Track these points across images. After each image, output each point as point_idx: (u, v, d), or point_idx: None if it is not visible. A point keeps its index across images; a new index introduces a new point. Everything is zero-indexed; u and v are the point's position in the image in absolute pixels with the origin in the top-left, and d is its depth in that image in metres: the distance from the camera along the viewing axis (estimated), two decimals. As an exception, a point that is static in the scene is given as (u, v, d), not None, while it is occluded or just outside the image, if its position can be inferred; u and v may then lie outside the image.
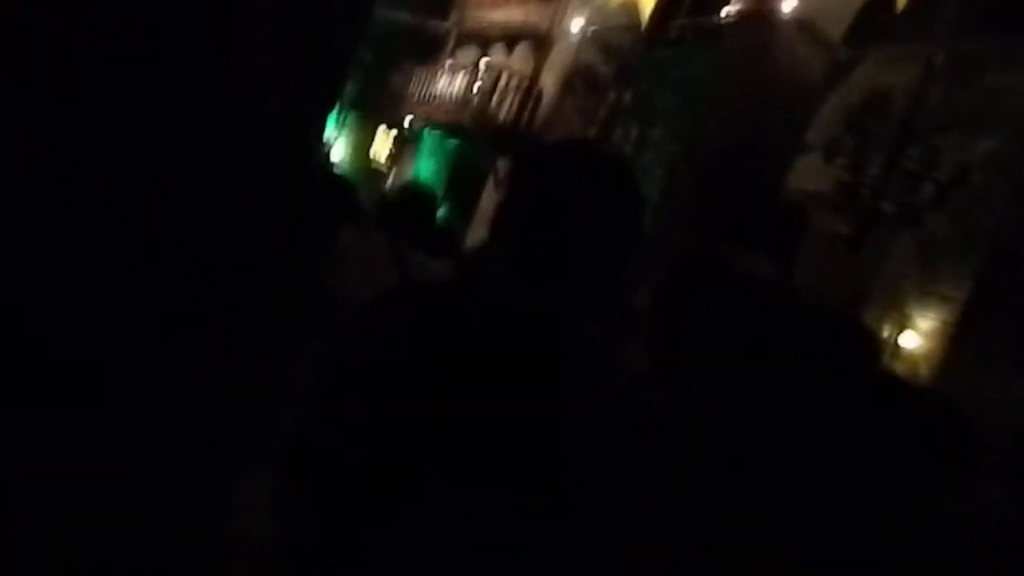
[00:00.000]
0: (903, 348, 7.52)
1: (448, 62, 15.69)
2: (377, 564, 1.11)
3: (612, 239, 1.20)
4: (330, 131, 16.14)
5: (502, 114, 13.11)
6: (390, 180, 15.52)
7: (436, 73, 15.24)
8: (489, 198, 12.53)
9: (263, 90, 1.27)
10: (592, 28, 12.73)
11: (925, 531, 2.28)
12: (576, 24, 12.90)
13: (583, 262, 1.18)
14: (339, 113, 16.58)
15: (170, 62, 1.16)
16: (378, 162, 16.61)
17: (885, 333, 7.43)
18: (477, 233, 10.09)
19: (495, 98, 13.26)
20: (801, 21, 8.84)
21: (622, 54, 12.23)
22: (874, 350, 2.72)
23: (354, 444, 1.12)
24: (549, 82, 13.09)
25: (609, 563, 1.16)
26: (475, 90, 13.57)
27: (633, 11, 12.05)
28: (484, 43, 15.37)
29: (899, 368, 7.02)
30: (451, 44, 16.11)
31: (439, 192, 11.13)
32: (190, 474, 1.21)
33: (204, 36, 1.21)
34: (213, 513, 1.26)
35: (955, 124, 7.37)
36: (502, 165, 12.51)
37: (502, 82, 13.33)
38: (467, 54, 15.57)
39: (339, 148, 16.92)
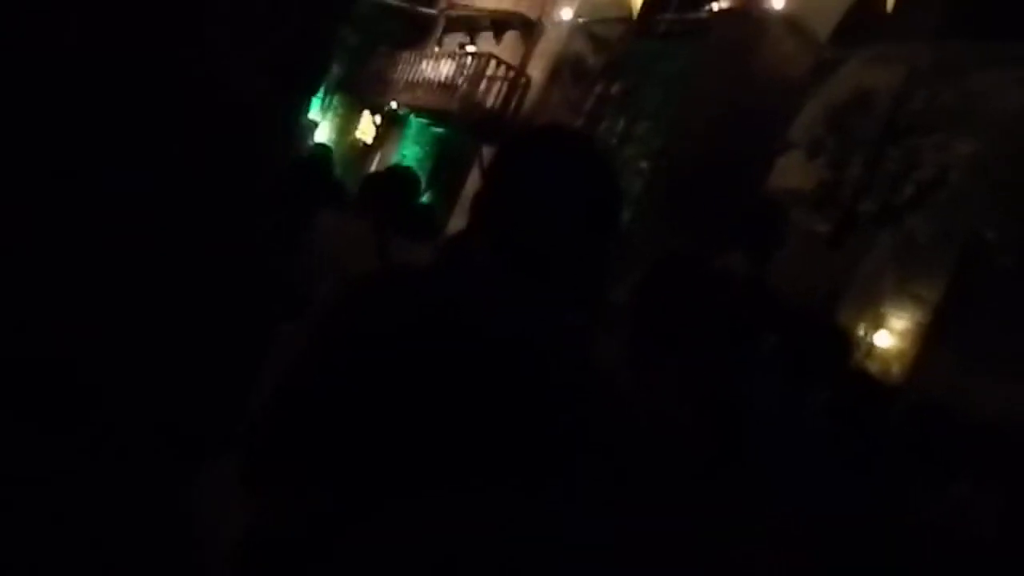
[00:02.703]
0: (877, 347, 7.59)
1: (435, 48, 15.60)
2: (349, 553, 1.11)
3: (589, 228, 1.20)
4: (314, 114, 16.01)
5: (489, 102, 13.06)
6: (374, 165, 15.43)
7: (423, 59, 15.14)
8: (473, 185, 12.49)
9: (237, 68, 1.25)
10: (581, 19, 12.69)
11: (900, 529, 2.32)
12: (565, 14, 12.86)
13: (561, 251, 1.18)
14: (324, 96, 16.43)
15: (135, 39, 1.14)
16: (362, 146, 16.50)
17: (860, 332, 7.50)
18: (460, 219, 10.07)
19: (482, 86, 13.20)
20: (788, 18, 8.86)
21: (610, 46, 12.22)
22: (847, 348, 2.76)
23: (327, 430, 1.11)
24: (537, 71, 13.05)
25: (586, 553, 1.17)
26: (462, 77, 13.50)
27: (623, 3, 12.02)
28: (472, 30, 15.29)
29: (872, 367, 7.10)
30: (439, 30, 16.01)
31: (423, 178, 11.12)
32: (158, 461, 1.20)
33: (172, 13, 1.19)
34: (181, 500, 1.25)
35: (937, 125, 7.44)
36: (487, 153, 12.48)
37: (489, 70, 13.27)
38: (455, 41, 15.49)
39: (323, 131, 16.79)
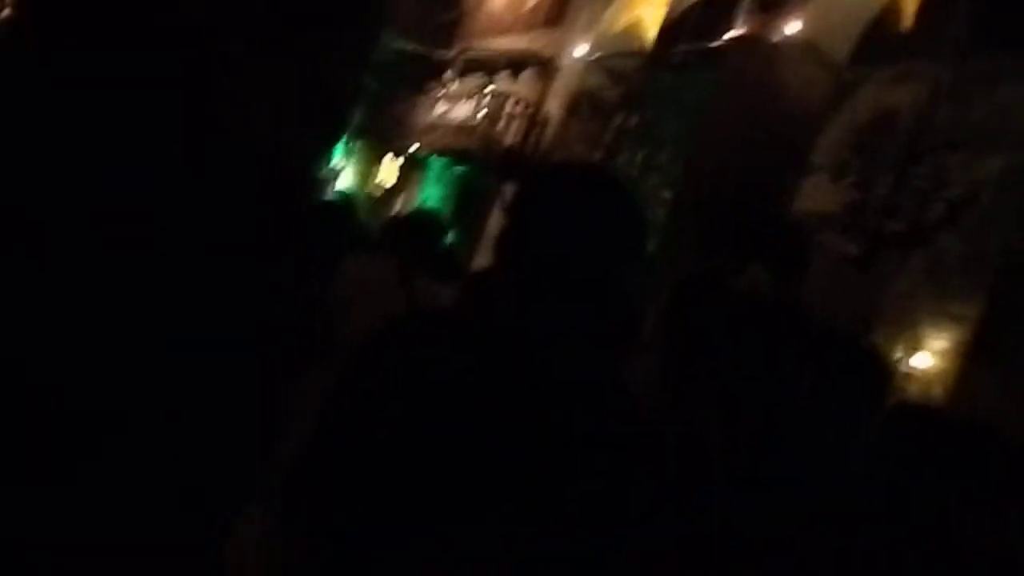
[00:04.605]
0: (916, 369, 7.46)
1: (453, 89, 15.82)
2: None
3: (615, 260, 1.19)
4: (337, 159, 16.25)
5: (508, 140, 13.19)
6: (397, 207, 15.58)
7: (442, 100, 15.36)
8: (496, 223, 12.57)
9: (257, 119, 1.26)
10: (596, 54, 12.83)
11: (947, 552, 2.24)
12: (580, 50, 13.01)
13: (588, 284, 1.17)
14: (346, 141, 16.69)
15: (160, 91, 1.15)
16: (385, 189, 16.69)
17: (897, 354, 7.38)
18: (484, 258, 10.10)
19: (501, 124, 13.34)
20: (805, 43, 8.86)
21: (626, 79, 12.32)
22: (885, 371, 2.69)
23: (359, 473, 1.11)
24: (554, 107, 13.17)
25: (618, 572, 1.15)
26: (481, 116, 13.66)
27: (637, 36, 12.14)
28: (489, 70, 15.49)
29: (912, 389, 6.96)
30: (456, 71, 16.25)
31: (446, 218, 11.20)
32: (193, 506, 1.19)
33: (193, 64, 1.21)
34: (215, 546, 1.25)
35: (963, 142, 7.37)
36: (508, 190, 12.56)
37: (507, 108, 13.43)
38: (472, 81, 15.70)
39: (346, 176, 17.02)
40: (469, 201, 14.25)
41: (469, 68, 16.05)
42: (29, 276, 1.12)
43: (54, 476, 1.12)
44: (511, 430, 1.10)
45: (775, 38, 8.92)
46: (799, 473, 2.01)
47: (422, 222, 3.56)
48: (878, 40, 8.73)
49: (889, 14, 8.25)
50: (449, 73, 16.37)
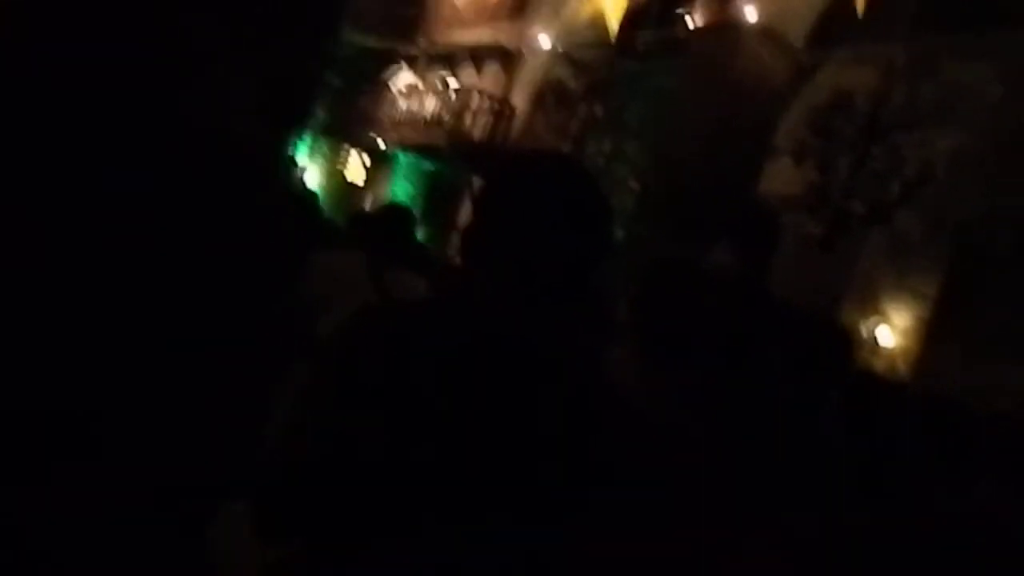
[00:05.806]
0: (882, 345, 7.59)
1: (419, 84, 15.74)
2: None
3: (582, 247, 1.20)
4: (304, 156, 16.11)
5: (475, 133, 13.16)
6: (367, 203, 15.50)
7: (407, 95, 15.29)
8: (466, 216, 12.55)
9: (230, 112, 1.26)
10: (560, 44, 12.84)
11: (917, 526, 2.30)
12: (544, 41, 13.01)
13: (556, 273, 1.19)
14: (312, 138, 16.54)
15: (133, 84, 1.15)
16: (354, 186, 16.58)
17: (863, 331, 7.50)
18: (455, 251, 10.10)
19: (467, 118, 13.31)
20: (763, 28, 8.96)
21: (591, 69, 12.34)
22: (850, 347, 2.76)
23: (337, 467, 1.11)
24: (520, 99, 13.17)
25: (604, 566, 1.17)
26: (447, 111, 13.62)
27: (600, 26, 12.17)
28: (453, 63, 15.44)
29: (878, 365, 7.09)
30: (421, 66, 16.16)
31: (415, 211, 11.15)
32: (171, 507, 1.19)
33: (167, 60, 1.20)
34: (197, 546, 1.24)
35: (917, 121, 7.50)
36: (477, 183, 12.55)
37: (473, 101, 13.39)
38: (437, 75, 15.63)
39: (314, 173, 16.88)
40: (439, 195, 14.20)
41: (434, 62, 15.98)
42: (10, 275, 1.11)
43: (38, 475, 1.11)
44: (488, 420, 1.12)
45: (735, 24, 9.01)
46: (773, 451, 2.05)
47: (390, 215, 3.57)
48: (833, 23, 8.84)
49: (843, -3, 8.37)
50: (413, 67, 16.28)
